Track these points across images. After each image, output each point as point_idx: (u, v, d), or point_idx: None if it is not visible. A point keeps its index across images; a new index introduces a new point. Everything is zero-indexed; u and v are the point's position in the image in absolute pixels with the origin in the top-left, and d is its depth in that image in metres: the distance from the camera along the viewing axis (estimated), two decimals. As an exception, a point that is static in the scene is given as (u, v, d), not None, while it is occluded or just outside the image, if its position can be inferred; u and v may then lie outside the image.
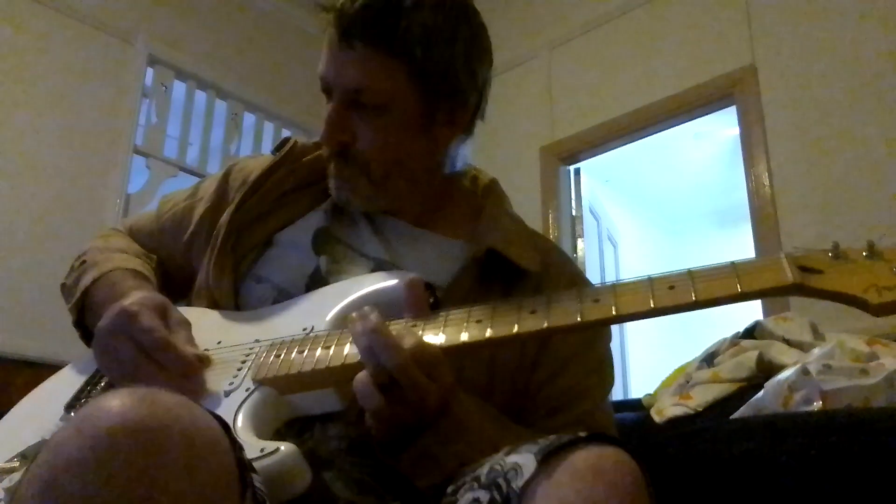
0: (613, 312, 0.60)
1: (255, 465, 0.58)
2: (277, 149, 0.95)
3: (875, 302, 0.53)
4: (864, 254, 0.57)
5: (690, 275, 0.60)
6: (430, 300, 0.74)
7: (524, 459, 0.55)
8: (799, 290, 0.56)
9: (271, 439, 0.65)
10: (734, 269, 0.59)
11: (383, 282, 0.77)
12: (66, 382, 0.87)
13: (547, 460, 0.53)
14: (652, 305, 0.59)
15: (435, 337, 0.67)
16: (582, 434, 0.55)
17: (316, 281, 0.85)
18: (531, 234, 0.94)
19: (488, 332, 0.65)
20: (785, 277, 0.56)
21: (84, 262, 0.95)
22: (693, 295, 0.58)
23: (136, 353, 0.73)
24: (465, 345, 0.65)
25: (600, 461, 0.53)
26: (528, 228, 0.95)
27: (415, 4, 0.80)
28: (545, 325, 0.63)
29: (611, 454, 0.53)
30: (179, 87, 3.44)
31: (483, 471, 0.58)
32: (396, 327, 0.68)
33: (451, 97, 0.86)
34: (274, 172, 0.92)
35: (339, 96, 0.83)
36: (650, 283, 0.61)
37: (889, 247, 0.57)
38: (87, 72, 3.04)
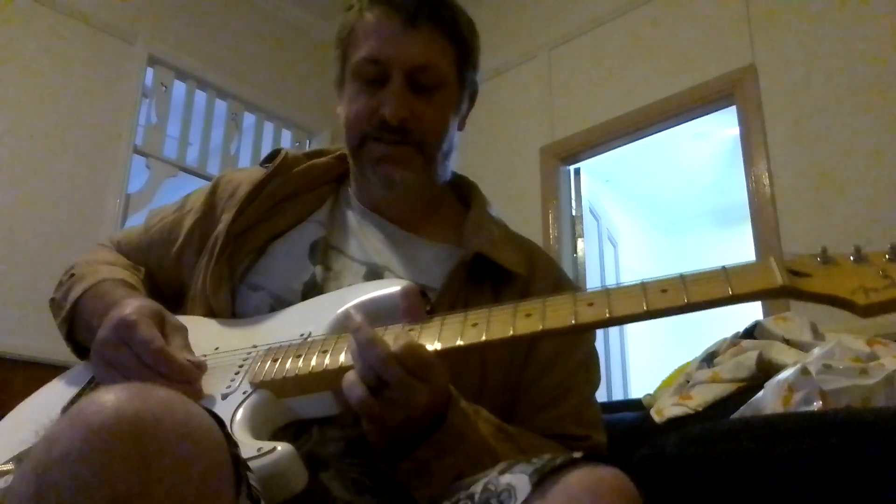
0: (607, 315, 0.62)
1: (252, 464, 0.58)
2: (268, 160, 0.98)
3: (862, 303, 0.55)
4: (851, 258, 0.59)
5: (682, 278, 0.62)
6: (427, 308, 0.75)
7: (518, 480, 0.54)
8: (788, 292, 0.58)
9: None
10: (725, 272, 0.60)
11: (381, 289, 0.78)
12: (62, 388, 0.88)
13: (541, 482, 0.53)
14: (645, 308, 0.60)
15: (432, 341, 0.67)
16: (577, 455, 0.55)
17: (311, 289, 0.87)
18: (514, 237, 0.97)
19: (484, 336, 0.66)
20: (774, 281, 0.58)
21: (72, 275, 0.96)
22: (685, 297, 0.60)
23: (136, 363, 0.74)
24: (461, 348, 0.66)
25: (597, 484, 0.52)
26: (510, 231, 0.98)
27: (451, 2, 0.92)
28: (540, 327, 0.64)
29: (607, 476, 0.53)
30: (179, 87, 3.44)
31: (477, 489, 0.58)
32: (394, 331, 0.68)
33: (470, 89, 0.96)
34: (268, 183, 0.94)
35: (401, 75, 0.87)
36: (643, 286, 0.63)
37: (875, 251, 0.59)
38: (87, 72, 3.04)
